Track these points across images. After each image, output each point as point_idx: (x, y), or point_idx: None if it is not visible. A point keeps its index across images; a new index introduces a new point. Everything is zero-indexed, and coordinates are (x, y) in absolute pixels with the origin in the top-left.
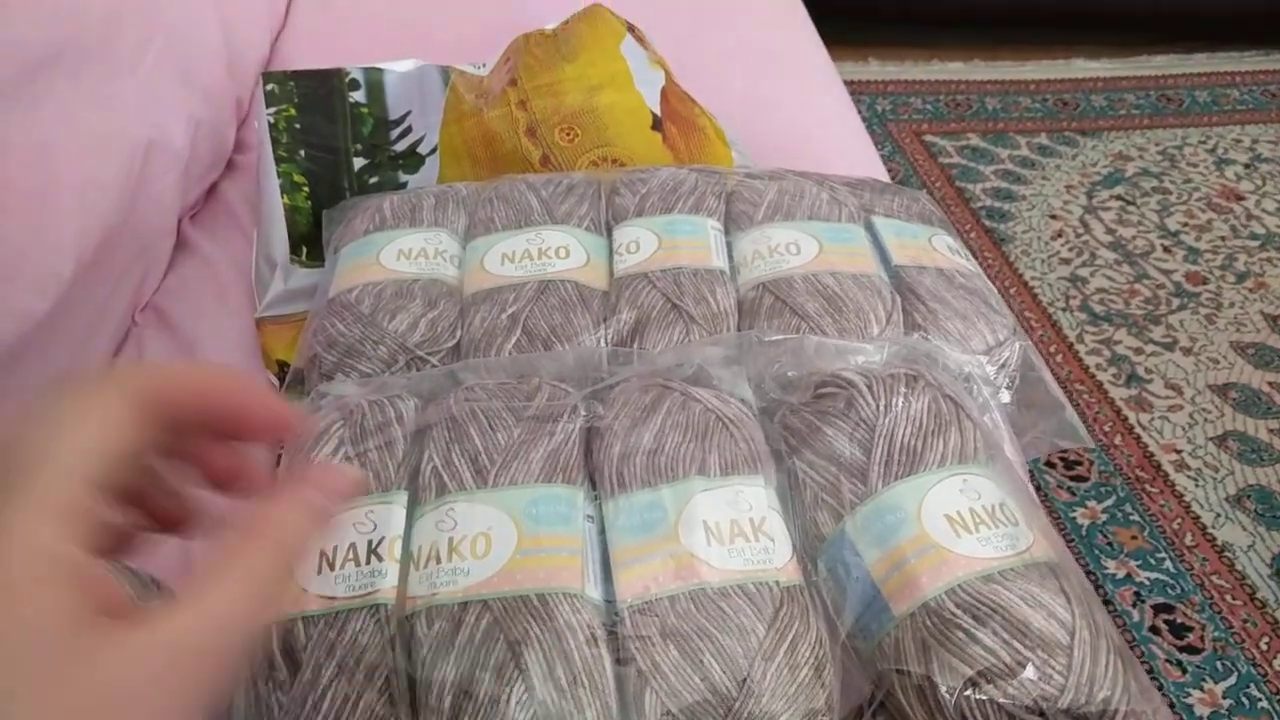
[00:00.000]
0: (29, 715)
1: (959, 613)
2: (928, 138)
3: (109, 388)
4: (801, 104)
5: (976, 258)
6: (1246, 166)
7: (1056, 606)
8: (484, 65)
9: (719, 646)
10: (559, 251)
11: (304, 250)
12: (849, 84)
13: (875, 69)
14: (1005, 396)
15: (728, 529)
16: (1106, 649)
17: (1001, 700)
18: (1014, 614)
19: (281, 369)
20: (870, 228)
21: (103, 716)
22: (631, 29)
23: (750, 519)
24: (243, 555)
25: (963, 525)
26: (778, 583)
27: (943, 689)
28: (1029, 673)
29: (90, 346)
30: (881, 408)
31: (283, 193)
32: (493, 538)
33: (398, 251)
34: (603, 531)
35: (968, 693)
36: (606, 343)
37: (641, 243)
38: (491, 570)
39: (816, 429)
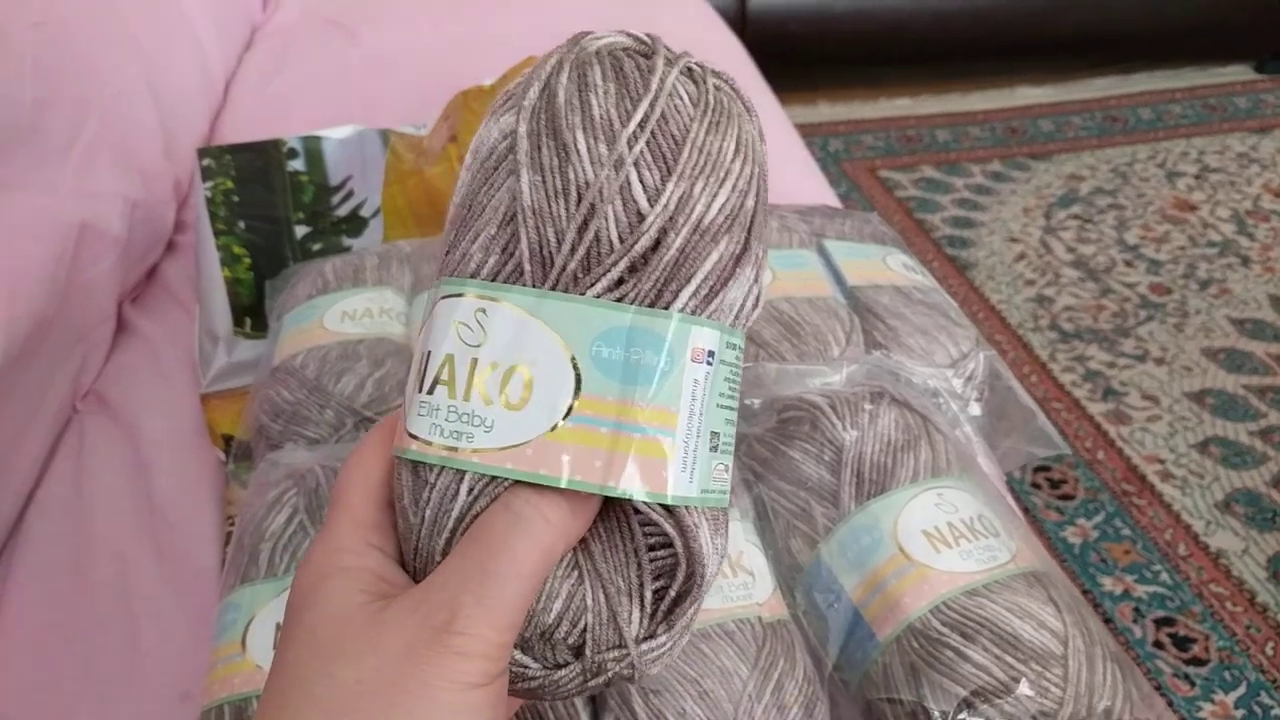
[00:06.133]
0: (330, 677)
1: (946, 631)
2: (882, 173)
3: (377, 431)
4: None
5: (941, 286)
6: (1196, 177)
7: (1046, 616)
8: (424, 126)
9: (701, 691)
10: None
11: (248, 321)
12: (800, 127)
13: (825, 110)
14: (975, 409)
15: None
16: (1102, 656)
17: None
18: (1003, 627)
19: (227, 443)
20: (822, 252)
21: (377, 673)
22: None
23: (727, 554)
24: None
25: (941, 540)
26: (760, 619)
27: (935, 714)
28: (1024, 688)
29: (26, 437)
30: (847, 426)
31: (223, 265)
32: None
33: (341, 313)
34: None
35: (962, 715)
36: None
37: None
38: None
39: (781, 453)
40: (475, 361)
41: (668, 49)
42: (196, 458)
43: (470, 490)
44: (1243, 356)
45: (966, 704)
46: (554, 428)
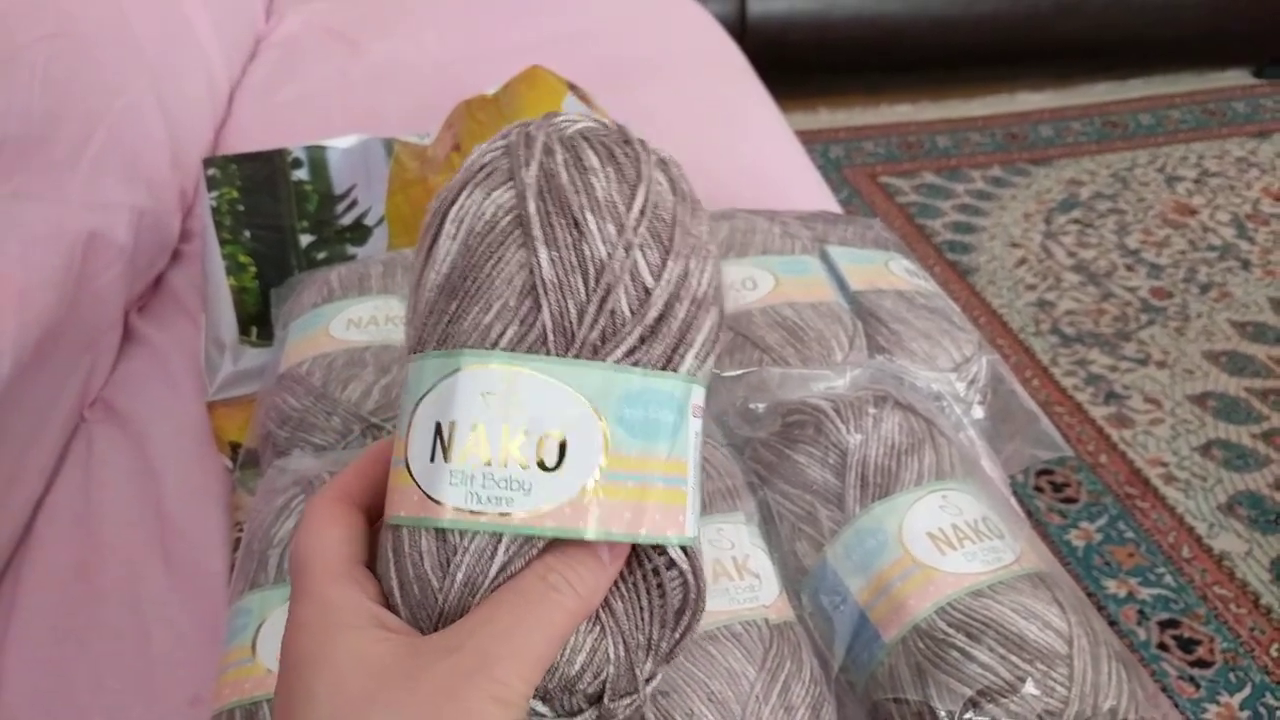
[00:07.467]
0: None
1: (951, 631)
2: (883, 179)
3: (334, 494)
4: (752, 150)
5: (943, 291)
6: (1196, 182)
7: (1051, 616)
8: (428, 135)
9: (709, 693)
10: None
11: (254, 330)
12: (800, 134)
13: (825, 117)
14: (979, 412)
15: (710, 569)
16: (1107, 656)
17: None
18: (1008, 627)
19: (234, 451)
20: (825, 257)
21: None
22: (573, 87)
23: (733, 557)
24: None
25: (946, 542)
26: (766, 621)
27: (942, 714)
28: (1030, 687)
29: (36, 445)
30: (852, 430)
31: (229, 274)
32: None
33: (347, 321)
34: None
35: (968, 715)
36: None
37: None
38: None
39: (786, 457)
40: (508, 429)
41: (636, 135)
42: (203, 465)
43: (506, 550)
44: (1244, 359)
45: (972, 704)
46: (588, 485)
